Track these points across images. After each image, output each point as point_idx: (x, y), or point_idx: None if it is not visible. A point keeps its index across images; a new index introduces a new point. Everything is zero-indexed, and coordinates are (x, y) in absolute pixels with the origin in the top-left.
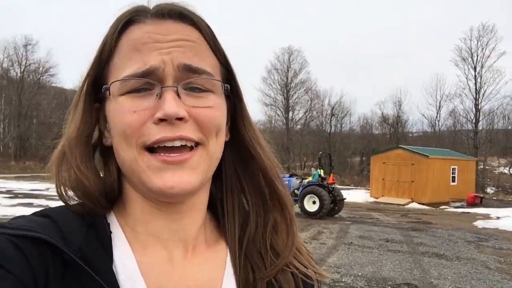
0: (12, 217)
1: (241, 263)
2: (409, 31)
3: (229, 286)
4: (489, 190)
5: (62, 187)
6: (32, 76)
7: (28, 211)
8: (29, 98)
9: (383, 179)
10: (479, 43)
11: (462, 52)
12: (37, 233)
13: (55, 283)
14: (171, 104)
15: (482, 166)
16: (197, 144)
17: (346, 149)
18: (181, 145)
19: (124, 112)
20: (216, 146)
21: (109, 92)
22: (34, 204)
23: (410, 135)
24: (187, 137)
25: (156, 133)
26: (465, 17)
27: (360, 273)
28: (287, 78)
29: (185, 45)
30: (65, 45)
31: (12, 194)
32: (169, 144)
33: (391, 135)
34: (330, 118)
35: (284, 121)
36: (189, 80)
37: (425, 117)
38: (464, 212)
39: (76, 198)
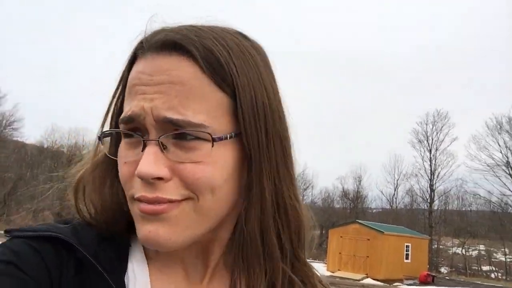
0: None
1: None
2: (370, 108)
3: None
4: (443, 269)
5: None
6: None
7: None
8: None
9: (340, 253)
10: (434, 127)
11: (419, 135)
12: (53, 232)
13: (67, 283)
14: (144, 164)
15: (436, 246)
16: (184, 199)
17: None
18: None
19: (120, 161)
20: (214, 203)
21: (102, 141)
22: None
23: (370, 210)
24: (165, 199)
25: (138, 190)
26: (424, 101)
27: None
28: None
29: (169, 90)
30: (32, 100)
31: None
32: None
33: (351, 209)
34: None
35: None
36: (170, 133)
37: (383, 194)
38: None
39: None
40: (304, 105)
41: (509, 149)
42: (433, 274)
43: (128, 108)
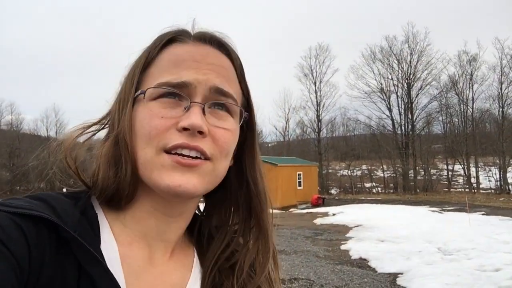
0: None
1: (212, 273)
2: (261, 46)
3: (195, 283)
4: (333, 191)
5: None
6: None
7: None
8: None
9: None
10: (317, 60)
11: (304, 69)
12: (36, 211)
13: (50, 260)
14: (197, 117)
15: (325, 171)
16: (207, 159)
17: None
18: (196, 156)
19: (152, 115)
20: (222, 167)
21: (144, 96)
22: None
23: (266, 145)
24: (203, 150)
25: (178, 139)
26: (305, 36)
27: None
28: None
29: (219, 70)
30: None
31: None
32: (186, 153)
33: None
34: None
35: None
36: (217, 99)
37: (276, 128)
38: (308, 212)
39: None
40: None
41: (382, 76)
42: (323, 197)
43: (177, 76)
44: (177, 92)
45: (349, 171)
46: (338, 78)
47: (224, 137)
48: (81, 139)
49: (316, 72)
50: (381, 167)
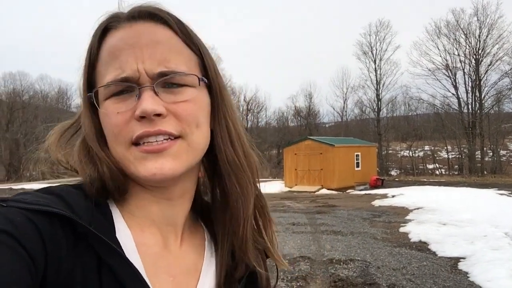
0: None
1: (223, 249)
2: (316, 25)
3: (209, 266)
4: (393, 172)
5: (87, 177)
6: None
7: None
8: None
9: (295, 169)
10: (377, 37)
11: (363, 46)
12: (51, 207)
13: (68, 255)
14: (147, 102)
15: (385, 152)
16: (177, 137)
17: (263, 142)
18: (163, 139)
19: (110, 114)
20: (199, 137)
21: (94, 99)
22: None
23: (323, 125)
24: (166, 131)
25: (138, 129)
26: (364, 13)
27: None
28: None
29: (155, 49)
30: None
31: None
32: (152, 140)
33: (305, 126)
34: (247, 114)
35: None
36: (163, 79)
37: (333, 108)
38: (366, 194)
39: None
40: (251, 28)
41: (448, 52)
42: (382, 178)
43: (120, 71)
44: (124, 88)
45: (410, 152)
46: (400, 55)
47: (185, 109)
48: (64, 140)
49: (376, 49)
50: (445, 147)
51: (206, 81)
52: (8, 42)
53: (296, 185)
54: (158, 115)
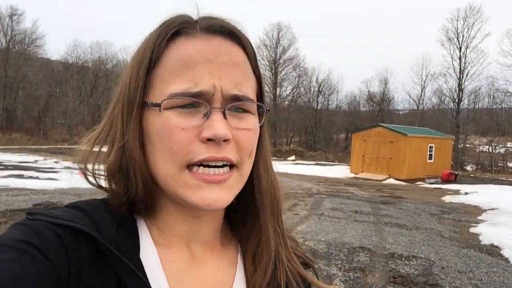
0: (4, 187)
1: (249, 266)
2: (398, 10)
3: (239, 281)
4: (469, 167)
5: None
6: (18, 47)
7: (20, 182)
8: (15, 69)
9: (363, 156)
10: (465, 23)
11: (449, 32)
12: (76, 223)
13: (88, 273)
14: (221, 126)
15: (462, 145)
16: (232, 165)
17: (331, 126)
18: (223, 165)
19: (172, 128)
20: (247, 168)
21: (160, 109)
22: (24, 176)
23: (396, 112)
24: (229, 159)
25: (204, 152)
26: None
27: (323, 239)
28: (275, 54)
29: (232, 70)
30: (51, 16)
31: (2, 166)
32: (212, 164)
33: (377, 112)
34: (317, 95)
35: (272, 97)
36: (235, 104)
37: (410, 95)
38: (436, 188)
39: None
40: (329, 9)
41: None
42: (456, 173)
43: (193, 85)
44: (195, 101)
45: (490, 148)
46: (489, 44)
47: (247, 138)
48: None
49: (463, 36)
50: None
51: (267, 112)
52: (97, 11)
53: (362, 172)
54: (225, 140)
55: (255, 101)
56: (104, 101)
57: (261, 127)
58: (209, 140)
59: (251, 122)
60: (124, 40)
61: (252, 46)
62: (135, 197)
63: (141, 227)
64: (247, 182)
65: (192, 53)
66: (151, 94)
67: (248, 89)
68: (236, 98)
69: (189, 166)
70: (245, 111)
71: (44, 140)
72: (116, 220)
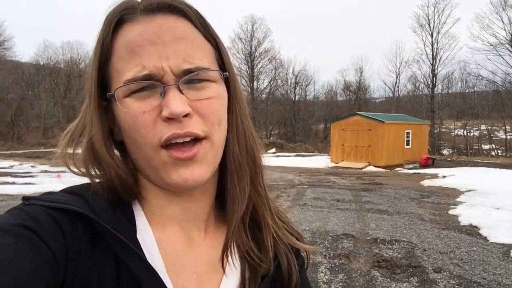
0: None
1: (243, 238)
2: None
3: (234, 260)
4: (446, 151)
5: (94, 180)
6: None
7: None
8: None
9: (342, 145)
10: (435, 9)
11: (420, 18)
12: (72, 206)
13: (86, 255)
14: (176, 103)
15: (438, 130)
16: (201, 138)
17: (310, 117)
18: (190, 139)
19: (134, 114)
20: (220, 135)
21: (115, 98)
22: (0, 182)
23: (373, 100)
24: (194, 133)
25: (166, 131)
26: None
27: (307, 228)
28: (251, 47)
29: (178, 46)
30: (18, 17)
31: None
32: (179, 141)
33: (354, 101)
34: (295, 87)
35: (249, 90)
36: (188, 76)
37: (385, 83)
38: (415, 173)
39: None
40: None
41: None
42: (433, 157)
43: (141, 68)
44: (146, 85)
45: (465, 131)
46: (459, 29)
47: (209, 107)
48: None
49: (434, 22)
50: (504, 127)
51: (227, 76)
52: (67, 11)
53: (342, 160)
54: (186, 115)
55: (212, 68)
56: (79, 102)
57: (230, 94)
58: (169, 118)
59: (212, 90)
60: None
61: (198, 14)
62: (117, 188)
63: (137, 209)
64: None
65: (135, 38)
66: (111, 87)
67: (202, 59)
68: (189, 71)
69: (164, 147)
70: (203, 80)
71: (19, 145)
72: (111, 203)
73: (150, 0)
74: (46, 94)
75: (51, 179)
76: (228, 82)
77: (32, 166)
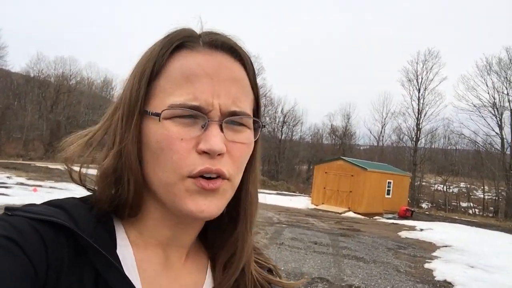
0: None
1: (218, 274)
2: (363, 47)
3: (208, 286)
4: (424, 205)
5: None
6: None
7: None
8: None
9: (324, 188)
10: (424, 66)
11: (409, 73)
12: (55, 218)
13: (67, 268)
14: (216, 140)
15: (418, 183)
16: (225, 178)
17: (295, 156)
18: (216, 177)
19: (172, 138)
20: (238, 181)
21: (159, 119)
22: None
23: (357, 147)
24: (222, 172)
25: (199, 164)
26: (414, 40)
27: (282, 268)
28: None
29: (231, 86)
30: (15, 26)
31: None
32: (207, 175)
33: (339, 146)
34: (282, 126)
35: None
36: (233, 118)
37: (370, 131)
38: (393, 223)
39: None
40: (295, 41)
41: (497, 90)
42: (412, 209)
43: (192, 97)
44: (193, 113)
45: (444, 187)
46: (445, 87)
47: (241, 152)
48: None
49: (422, 78)
50: (482, 187)
51: (263, 128)
52: (61, 26)
53: (323, 203)
54: (220, 154)
55: (252, 116)
56: (65, 118)
57: (255, 142)
58: (204, 152)
59: (247, 136)
60: (90, 57)
61: (252, 63)
62: (124, 200)
63: (118, 227)
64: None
65: (193, 66)
66: (151, 104)
67: (246, 105)
68: (234, 114)
69: (189, 177)
70: (241, 125)
71: None
72: (94, 218)
73: (216, 36)
74: (32, 106)
75: (26, 191)
76: (257, 133)
77: (8, 177)
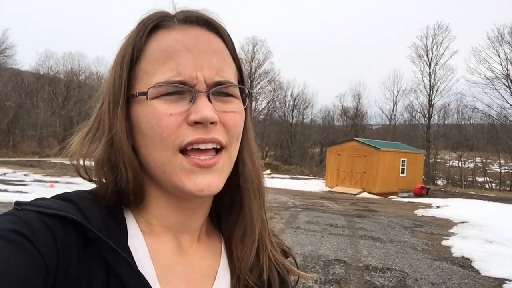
0: None
1: (236, 252)
2: (371, 26)
3: (225, 269)
4: (440, 182)
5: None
6: None
7: None
8: None
9: (337, 170)
10: (434, 41)
11: (418, 49)
12: (64, 212)
13: (77, 262)
14: (207, 108)
15: (433, 160)
16: (221, 147)
17: (306, 140)
18: (212, 148)
19: (160, 115)
20: (235, 151)
21: (147, 97)
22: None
23: (369, 127)
24: (218, 140)
25: (191, 134)
26: (423, 14)
27: (299, 251)
28: (251, 68)
29: (214, 58)
30: (22, 25)
31: None
32: (202, 147)
33: (351, 127)
34: (292, 109)
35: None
36: (218, 88)
37: (382, 111)
38: (409, 202)
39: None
40: (303, 24)
41: (510, 61)
42: (428, 187)
43: (176, 73)
44: (177, 90)
45: (460, 162)
46: (457, 61)
47: (234, 120)
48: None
49: (432, 53)
50: (498, 161)
51: (248, 95)
52: (68, 22)
53: (337, 185)
54: (213, 122)
55: (238, 85)
56: (77, 113)
57: (246, 112)
58: (196, 123)
59: (236, 105)
60: (98, 51)
61: (229, 35)
62: (124, 188)
63: (129, 217)
64: (232, 170)
65: (172, 43)
66: (136, 87)
67: (230, 75)
68: (220, 83)
69: (182, 151)
70: (229, 95)
71: (13, 153)
72: (103, 210)
73: (189, 12)
74: (44, 104)
75: (43, 188)
76: (245, 104)
77: (25, 175)
